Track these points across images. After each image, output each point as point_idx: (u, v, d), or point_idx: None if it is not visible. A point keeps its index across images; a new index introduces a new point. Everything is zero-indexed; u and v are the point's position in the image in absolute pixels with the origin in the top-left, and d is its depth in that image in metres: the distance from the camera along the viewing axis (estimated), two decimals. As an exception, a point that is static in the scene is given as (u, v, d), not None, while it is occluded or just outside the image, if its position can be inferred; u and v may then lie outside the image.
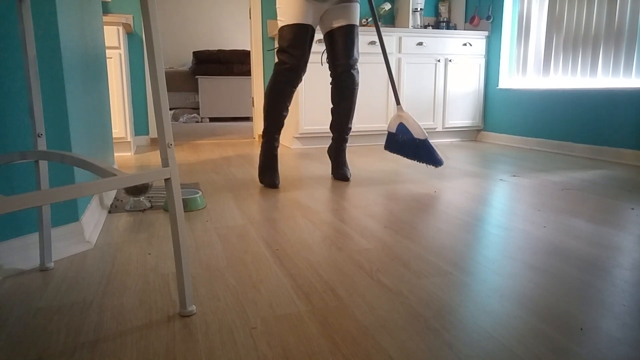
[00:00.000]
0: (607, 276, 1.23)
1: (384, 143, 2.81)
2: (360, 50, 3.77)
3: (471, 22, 4.20)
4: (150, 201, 2.04)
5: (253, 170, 2.80)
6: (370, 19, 4.16)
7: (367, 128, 3.91)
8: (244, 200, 2.07)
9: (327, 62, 2.44)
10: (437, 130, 4.15)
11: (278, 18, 2.30)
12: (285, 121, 3.96)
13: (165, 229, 1.67)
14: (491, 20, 4.06)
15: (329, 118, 3.76)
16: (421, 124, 4.07)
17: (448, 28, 4.31)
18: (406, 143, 2.55)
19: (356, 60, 2.38)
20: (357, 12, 2.36)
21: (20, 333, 0.96)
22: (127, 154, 3.48)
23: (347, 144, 3.97)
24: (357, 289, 1.16)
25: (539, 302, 1.08)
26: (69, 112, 1.42)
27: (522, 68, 3.92)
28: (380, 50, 3.82)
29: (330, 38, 2.36)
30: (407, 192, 2.21)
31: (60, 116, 1.38)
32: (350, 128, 2.52)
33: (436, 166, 2.39)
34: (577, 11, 3.39)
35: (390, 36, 3.84)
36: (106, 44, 3.24)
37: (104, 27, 3.23)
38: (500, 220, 1.74)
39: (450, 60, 4.04)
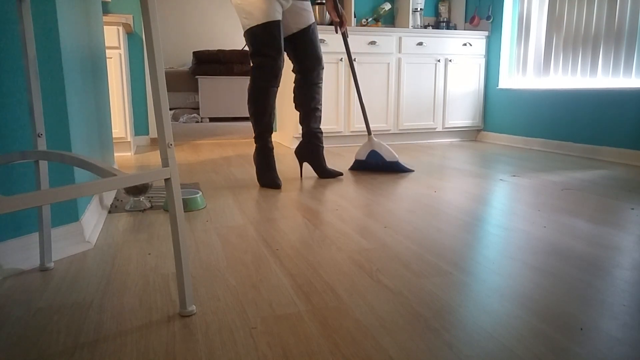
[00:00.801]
0: (607, 276, 1.23)
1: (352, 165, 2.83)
2: (360, 50, 3.77)
3: (471, 22, 4.20)
4: (150, 201, 2.04)
5: (253, 170, 2.80)
6: (370, 19, 4.16)
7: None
8: (244, 200, 2.07)
9: (292, 63, 2.41)
10: (437, 130, 4.14)
11: (243, 17, 2.19)
12: (285, 121, 3.96)
13: (165, 229, 1.67)
14: (491, 20, 4.06)
15: (329, 117, 3.77)
16: (421, 124, 4.08)
17: (448, 28, 4.31)
18: (376, 166, 2.72)
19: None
20: (312, 9, 2.39)
21: (20, 333, 0.96)
22: (127, 154, 3.48)
23: (347, 144, 3.97)
24: (357, 289, 1.16)
25: (539, 302, 1.08)
26: (69, 112, 1.42)
27: (522, 68, 3.92)
28: (380, 51, 3.82)
29: (296, 40, 2.34)
30: (407, 192, 2.21)
31: (60, 116, 1.38)
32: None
33: (409, 172, 2.67)
34: (577, 11, 3.39)
35: (390, 36, 3.84)
36: (106, 44, 3.24)
37: (104, 27, 3.23)
38: (500, 220, 1.74)
39: (450, 60, 4.04)
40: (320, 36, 3.63)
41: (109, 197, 2.06)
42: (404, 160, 3.12)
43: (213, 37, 7.83)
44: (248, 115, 6.92)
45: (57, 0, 1.35)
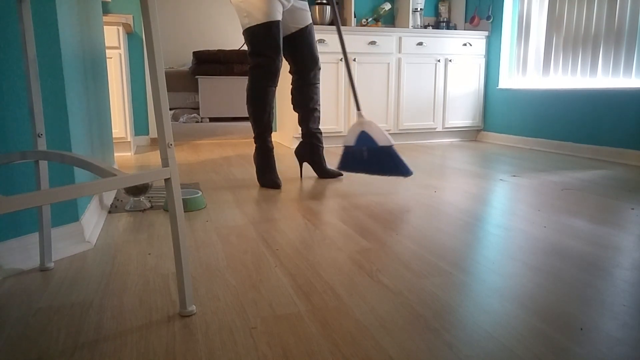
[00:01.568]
0: (607, 276, 1.23)
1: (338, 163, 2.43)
2: (360, 50, 3.77)
3: (471, 22, 4.20)
4: (150, 201, 2.04)
5: (253, 170, 2.80)
6: (370, 19, 4.16)
7: (367, 128, 3.90)
8: (244, 200, 2.07)
9: (289, 63, 2.41)
10: (437, 130, 4.14)
11: (243, 17, 2.19)
12: (285, 121, 3.96)
13: (165, 229, 1.67)
14: (491, 20, 4.06)
15: (329, 117, 3.77)
16: (421, 124, 4.07)
17: (448, 28, 4.31)
18: (368, 155, 2.26)
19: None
20: (309, 10, 2.39)
21: (20, 333, 0.96)
22: (127, 154, 3.48)
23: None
24: (357, 289, 1.16)
25: (539, 302, 1.08)
26: (69, 112, 1.42)
27: (522, 68, 3.92)
28: (380, 51, 3.82)
29: (294, 40, 2.34)
30: (407, 191, 2.21)
31: (60, 116, 1.38)
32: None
33: (404, 176, 2.19)
34: (577, 11, 3.39)
35: (390, 36, 3.84)
36: (106, 44, 3.24)
37: (104, 27, 3.23)
38: (500, 220, 1.74)
39: (450, 60, 4.04)
40: (320, 36, 3.63)
41: (109, 197, 2.06)
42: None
43: (213, 37, 7.83)
44: (248, 116, 6.93)
45: (57, 0, 1.35)
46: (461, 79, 4.12)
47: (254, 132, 2.35)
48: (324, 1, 3.87)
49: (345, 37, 3.69)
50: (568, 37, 3.46)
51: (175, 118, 6.73)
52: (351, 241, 1.52)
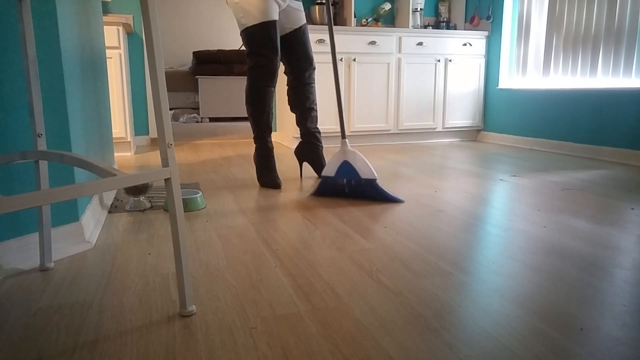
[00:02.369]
0: (607, 276, 1.23)
1: (315, 191, 2.17)
2: (360, 50, 3.77)
3: (471, 22, 4.20)
4: (150, 201, 2.04)
5: (253, 170, 2.80)
6: (370, 19, 4.16)
7: (366, 128, 3.91)
8: (244, 200, 2.07)
9: (284, 64, 2.41)
10: (437, 130, 4.14)
11: (240, 17, 2.19)
12: (285, 121, 3.96)
13: (165, 229, 1.67)
14: (491, 20, 4.06)
15: (329, 117, 3.77)
16: (421, 124, 4.07)
17: (448, 28, 4.31)
18: (349, 187, 2.06)
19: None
20: (303, 10, 2.40)
21: (20, 333, 0.96)
22: (127, 154, 3.48)
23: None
24: (357, 289, 1.16)
25: (539, 302, 1.08)
26: (69, 112, 1.42)
27: (522, 68, 3.92)
28: (380, 51, 3.82)
29: (289, 40, 2.34)
30: (407, 191, 2.21)
31: (60, 116, 1.38)
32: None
33: (396, 202, 2.01)
34: (577, 11, 3.39)
35: (390, 36, 3.84)
36: (106, 44, 3.24)
37: (104, 27, 3.23)
38: (500, 220, 1.74)
39: (450, 60, 4.04)
40: (320, 36, 3.63)
41: (109, 197, 2.06)
42: (403, 162, 3.12)
43: (213, 37, 7.83)
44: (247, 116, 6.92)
45: (57, 0, 1.35)
46: (461, 79, 4.12)
47: (253, 132, 2.35)
48: (324, 1, 3.87)
49: (345, 37, 3.69)
50: (568, 37, 3.46)
51: (175, 118, 6.73)
52: (351, 241, 1.52)
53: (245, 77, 6.81)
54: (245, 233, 1.61)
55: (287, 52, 2.36)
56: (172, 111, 6.81)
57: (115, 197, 2.11)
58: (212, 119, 6.91)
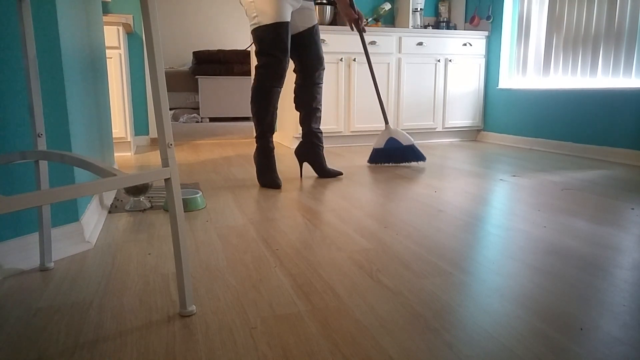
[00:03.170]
0: (607, 276, 1.23)
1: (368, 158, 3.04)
2: (360, 50, 3.77)
3: (471, 22, 4.20)
4: (150, 201, 2.04)
5: (253, 170, 2.80)
6: (370, 19, 4.16)
7: (367, 128, 3.91)
8: (244, 200, 2.07)
9: (295, 63, 2.42)
10: (437, 130, 4.14)
11: (253, 16, 2.21)
12: (286, 121, 3.96)
13: (165, 229, 1.67)
14: (491, 20, 4.06)
15: (329, 117, 3.77)
16: (421, 124, 4.08)
17: (448, 28, 4.31)
18: (394, 152, 2.90)
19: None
20: (315, 10, 2.43)
21: (20, 333, 0.96)
22: (127, 154, 3.48)
23: (347, 144, 3.97)
24: (357, 289, 1.16)
25: (539, 302, 1.08)
26: (69, 112, 1.42)
27: (522, 68, 3.92)
28: (380, 51, 3.82)
29: (302, 39, 2.35)
30: (407, 192, 2.21)
31: (60, 116, 1.38)
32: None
33: (422, 161, 2.91)
34: (577, 11, 3.39)
35: (390, 36, 3.84)
36: (106, 44, 3.24)
37: (104, 27, 3.23)
38: (500, 220, 1.74)
39: (450, 60, 4.04)
40: (320, 36, 3.63)
41: (109, 197, 2.06)
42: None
43: (213, 37, 7.83)
44: (248, 115, 6.92)
45: (57, 0, 1.35)
46: (461, 79, 4.12)
47: (256, 131, 2.36)
48: (324, 1, 3.87)
49: (345, 37, 3.69)
50: (568, 37, 3.46)
51: (175, 118, 6.73)
52: (351, 241, 1.52)
53: (245, 76, 6.82)
54: (245, 233, 1.61)
55: (299, 51, 2.38)
56: (172, 111, 6.81)
57: (115, 197, 2.11)
58: (212, 119, 6.91)
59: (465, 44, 4.06)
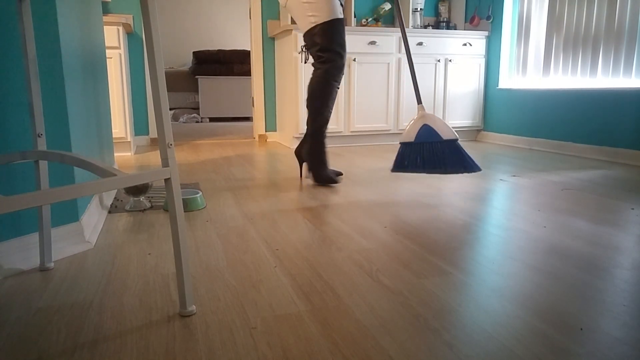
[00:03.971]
0: (607, 276, 1.23)
1: (392, 165, 2.20)
2: (360, 50, 3.77)
3: (471, 22, 4.20)
4: (150, 201, 2.04)
5: (253, 170, 2.80)
6: (370, 19, 4.16)
7: (367, 128, 3.91)
8: (244, 200, 2.07)
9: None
10: (437, 130, 4.14)
11: (309, 16, 2.24)
12: (285, 121, 3.96)
13: (165, 229, 1.67)
14: (491, 20, 4.06)
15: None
16: (421, 124, 4.07)
17: (448, 28, 4.31)
18: (430, 150, 2.03)
19: None
20: None
21: (20, 333, 0.96)
22: (127, 154, 3.48)
23: (347, 144, 3.97)
24: (357, 289, 1.16)
25: (539, 302, 1.08)
26: (69, 112, 1.42)
27: (522, 68, 3.92)
28: (380, 51, 3.82)
29: None
30: (407, 191, 2.21)
31: (60, 116, 1.38)
32: None
33: (473, 171, 1.99)
34: (577, 11, 3.39)
35: (390, 36, 3.84)
36: (106, 44, 3.24)
37: (104, 27, 3.23)
38: (500, 220, 1.74)
39: (450, 60, 4.04)
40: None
41: (109, 197, 2.06)
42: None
43: (213, 37, 7.84)
44: (248, 115, 6.92)
45: (57, 0, 1.35)
46: (461, 79, 4.12)
47: (311, 127, 2.34)
48: None
49: (345, 37, 3.69)
50: (568, 37, 3.46)
51: (175, 118, 6.73)
52: (351, 241, 1.52)
53: (245, 76, 6.81)
54: (245, 233, 1.61)
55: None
56: (172, 111, 6.81)
57: (115, 197, 2.11)
58: (212, 119, 6.92)
59: (465, 44, 4.06)
